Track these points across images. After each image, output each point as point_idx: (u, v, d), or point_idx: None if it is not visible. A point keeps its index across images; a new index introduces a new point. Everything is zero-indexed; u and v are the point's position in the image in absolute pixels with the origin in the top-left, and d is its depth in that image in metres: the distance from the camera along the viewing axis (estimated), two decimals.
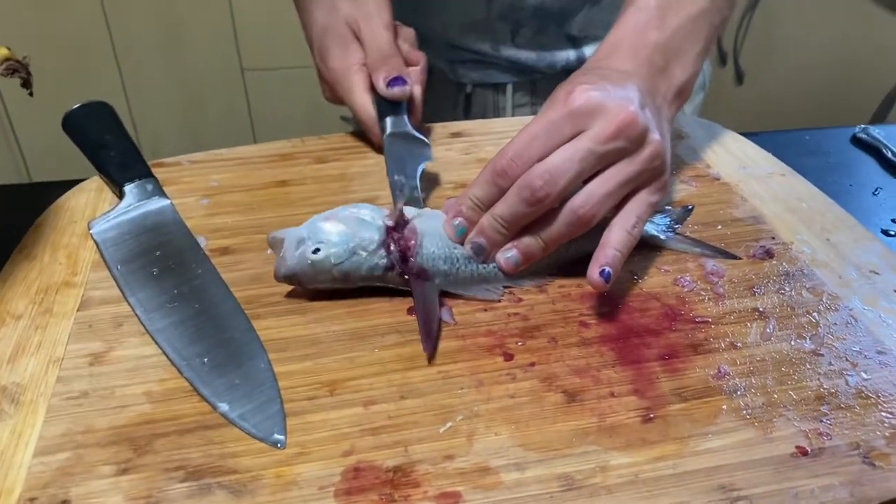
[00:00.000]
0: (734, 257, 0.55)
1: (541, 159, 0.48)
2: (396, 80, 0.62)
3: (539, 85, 0.84)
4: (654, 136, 0.49)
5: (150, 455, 0.39)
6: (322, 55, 0.66)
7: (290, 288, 0.50)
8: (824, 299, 0.51)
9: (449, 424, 0.41)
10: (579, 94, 0.48)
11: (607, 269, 0.48)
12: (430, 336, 0.46)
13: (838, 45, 1.60)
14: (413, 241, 0.50)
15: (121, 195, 0.57)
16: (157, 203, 0.57)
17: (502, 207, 0.49)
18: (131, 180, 0.58)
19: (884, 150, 0.72)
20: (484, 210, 0.50)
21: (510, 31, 0.79)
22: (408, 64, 0.65)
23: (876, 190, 0.67)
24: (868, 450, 0.40)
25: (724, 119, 0.72)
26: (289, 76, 2.39)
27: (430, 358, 0.45)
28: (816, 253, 0.55)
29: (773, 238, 0.56)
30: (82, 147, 0.61)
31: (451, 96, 0.85)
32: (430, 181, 0.62)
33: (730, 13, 0.60)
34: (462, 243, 0.51)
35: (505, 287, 0.51)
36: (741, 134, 0.70)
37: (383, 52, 0.64)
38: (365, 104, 0.63)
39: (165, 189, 0.59)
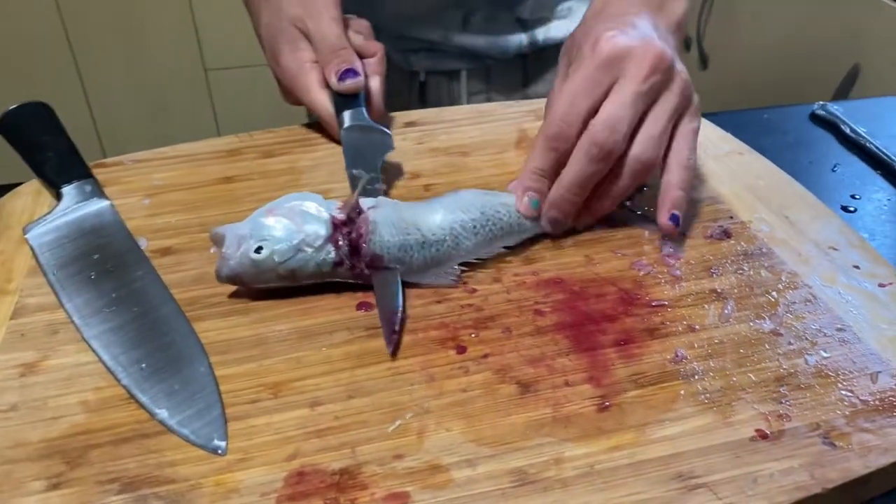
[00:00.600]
0: (650, 218, 0.54)
1: (589, 113, 0.48)
2: (348, 73, 0.61)
3: (493, 71, 0.83)
4: (679, 65, 0.51)
5: (83, 467, 0.37)
6: (274, 57, 0.64)
7: (233, 288, 0.48)
8: (783, 278, 0.50)
9: (398, 422, 0.40)
10: (605, 42, 0.49)
11: (676, 212, 0.50)
12: (392, 327, 0.45)
13: (799, 26, 1.60)
14: (364, 230, 0.48)
15: (58, 197, 0.55)
16: (96, 205, 0.55)
17: (572, 173, 0.49)
18: (69, 182, 0.56)
19: (842, 127, 0.71)
20: (549, 178, 0.51)
21: (461, 18, 0.77)
22: (364, 56, 0.64)
23: (835, 166, 0.67)
24: (828, 430, 0.39)
25: None
26: (252, 74, 2.36)
27: (393, 353, 0.44)
28: (775, 231, 0.54)
29: (732, 217, 0.55)
30: (19, 149, 0.59)
31: (405, 85, 0.84)
32: (385, 171, 0.60)
33: None
34: (538, 218, 0.51)
35: (460, 267, 0.49)
36: (701, 115, 0.69)
37: (332, 46, 0.62)
38: (322, 101, 0.62)
39: (106, 190, 0.57)
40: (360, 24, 0.67)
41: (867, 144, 0.68)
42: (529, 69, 0.83)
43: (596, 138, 0.48)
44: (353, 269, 0.48)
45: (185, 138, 0.66)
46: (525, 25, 0.80)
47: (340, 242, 0.47)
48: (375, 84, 0.63)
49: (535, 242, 0.53)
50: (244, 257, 0.46)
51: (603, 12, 0.55)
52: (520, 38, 0.80)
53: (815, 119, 0.74)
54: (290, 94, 0.65)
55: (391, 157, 0.61)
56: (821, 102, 0.75)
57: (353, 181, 0.56)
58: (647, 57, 0.49)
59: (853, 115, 0.72)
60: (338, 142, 0.63)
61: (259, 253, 0.46)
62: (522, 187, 0.51)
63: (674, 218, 0.50)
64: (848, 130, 0.71)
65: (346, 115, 0.61)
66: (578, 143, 0.49)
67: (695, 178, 0.59)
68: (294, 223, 0.47)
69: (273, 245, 0.46)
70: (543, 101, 0.56)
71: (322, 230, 0.47)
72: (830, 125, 0.73)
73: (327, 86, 0.62)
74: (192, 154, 0.63)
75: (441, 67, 0.82)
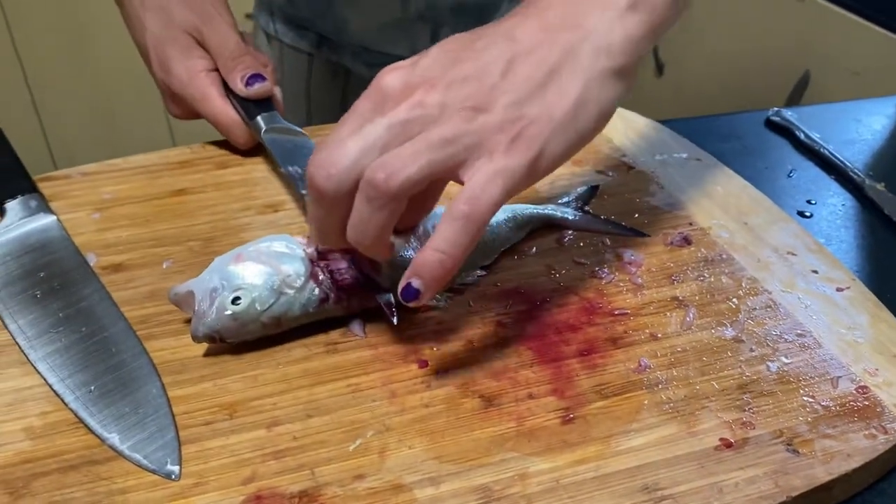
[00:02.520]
0: (643, 234, 0.54)
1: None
2: (255, 78, 0.59)
3: None
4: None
5: (27, 498, 0.36)
6: (163, 66, 0.61)
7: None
8: (744, 284, 0.50)
9: (359, 441, 0.39)
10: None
11: (413, 283, 0.39)
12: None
13: (751, 34, 1.63)
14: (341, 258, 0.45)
15: (1, 213, 0.53)
16: (41, 220, 0.53)
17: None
18: (12, 197, 0.54)
19: (797, 133, 0.72)
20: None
21: (430, 32, 0.76)
22: None
23: (790, 172, 0.67)
24: (791, 437, 0.39)
25: (645, 109, 0.71)
26: None
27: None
28: (734, 237, 0.54)
29: (691, 224, 0.55)
30: None
31: None
32: None
33: None
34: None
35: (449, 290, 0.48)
36: (657, 122, 0.69)
37: (233, 52, 0.60)
38: (225, 108, 0.60)
39: (53, 204, 0.55)
40: (246, 37, 0.64)
41: (821, 150, 0.69)
42: None
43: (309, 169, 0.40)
44: (339, 302, 0.44)
45: (138, 148, 0.64)
46: None
47: (321, 277, 0.44)
48: (277, 92, 0.62)
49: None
50: (221, 311, 0.42)
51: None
52: None
53: (770, 125, 0.75)
54: (181, 105, 0.63)
55: None
56: (775, 109, 0.76)
57: (293, 177, 0.54)
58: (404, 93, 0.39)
59: (807, 121, 0.73)
60: (245, 151, 0.62)
61: (237, 304, 0.42)
62: None
63: (408, 291, 0.39)
64: (802, 136, 0.71)
65: (261, 119, 0.59)
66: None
67: (651, 184, 0.60)
68: (268, 266, 0.44)
69: (252, 293, 0.42)
70: None
71: (301, 268, 0.44)
72: (785, 131, 0.73)
73: (226, 94, 0.61)
74: (143, 166, 0.61)
75: None
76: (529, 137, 0.39)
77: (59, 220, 0.53)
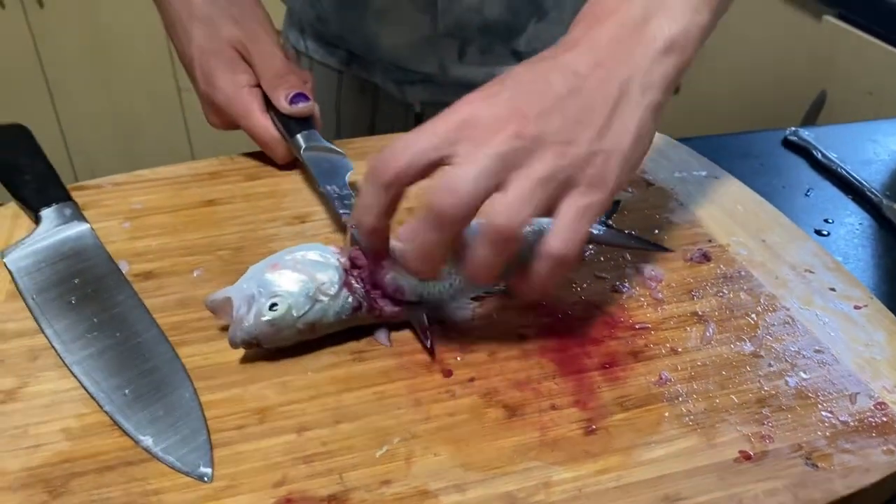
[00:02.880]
0: (667, 250, 0.55)
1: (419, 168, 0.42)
2: (299, 97, 0.61)
3: None
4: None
5: (66, 496, 0.37)
6: (207, 79, 0.62)
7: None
8: (762, 300, 0.50)
9: (385, 448, 0.40)
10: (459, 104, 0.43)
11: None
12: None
13: (767, 53, 1.64)
14: (378, 264, 0.46)
15: (37, 221, 0.54)
16: (75, 228, 0.54)
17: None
18: (48, 205, 0.55)
19: (814, 152, 0.73)
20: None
21: (458, 49, 0.78)
22: None
23: (808, 191, 0.68)
24: (810, 451, 0.40)
25: (661, 129, 0.72)
26: None
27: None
28: (753, 254, 0.55)
29: (710, 241, 0.56)
30: None
31: (400, 117, 0.85)
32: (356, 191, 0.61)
33: None
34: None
35: (472, 299, 0.49)
36: (676, 139, 0.70)
37: (279, 70, 0.62)
38: (266, 125, 0.61)
39: (85, 213, 0.56)
40: (289, 54, 0.66)
41: (839, 170, 0.70)
42: None
43: (432, 202, 0.40)
44: (371, 311, 0.46)
45: (158, 160, 0.66)
46: (521, 59, 0.80)
47: (355, 285, 0.46)
48: (317, 109, 0.63)
49: None
50: (258, 317, 0.43)
51: (562, 42, 0.46)
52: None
53: (788, 144, 0.76)
54: (221, 116, 0.64)
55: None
56: (792, 128, 0.77)
57: (330, 196, 0.56)
58: (499, 129, 0.40)
59: (824, 140, 0.74)
60: (283, 166, 0.63)
61: (274, 310, 0.43)
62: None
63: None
64: (819, 156, 0.72)
65: (301, 137, 0.60)
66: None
67: (670, 201, 0.61)
68: (304, 274, 0.45)
69: (288, 300, 0.44)
70: None
71: (335, 276, 0.45)
72: (802, 150, 0.74)
73: (266, 109, 0.62)
74: (172, 177, 0.62)
75: (437, 99, 0.82)
76: (609, 170, 0.41)
77: (92, 228, 0.55)
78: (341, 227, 0.56)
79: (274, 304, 0.43)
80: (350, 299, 0.45)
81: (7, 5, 2.11)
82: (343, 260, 0.46)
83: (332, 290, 0.45)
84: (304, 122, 0.61)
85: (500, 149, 0.39)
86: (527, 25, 0.77)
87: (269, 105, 0.62)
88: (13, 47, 2.17)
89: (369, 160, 0.42)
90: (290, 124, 0.61)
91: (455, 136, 0.40)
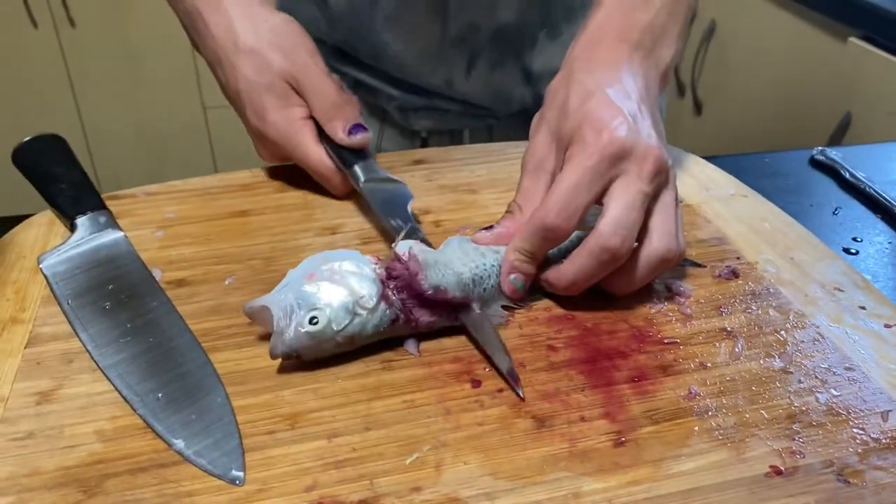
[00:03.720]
0: (698, 265, 0.55)
1: (587, 207, 0.48)
2: (357, 128, 0.60)
3: (495, 129, 0.84)
4: (669, 159, 0.51)
5: (100, 496, 0.37)
6: (259, 113, 0.61)
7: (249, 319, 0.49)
8: (791, 317, 0.50)
9: (415, 455, 0.40)
10: (610, 134, 0.48)
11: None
12: (514, 377, 0.44)
13: (791, 73, 1.64)
14: (415, 268, 0.46)
15: (72, 228, 0.55)
16: (109, 236, 0.55)
17: (576, 271, 0.48)
18: (83, 213, 0.56)
19: (841, 171, 0.73)
20: (536, 262, 0.50)
21: (466, 61, 0.78)
22: None
23: (835, 209, 0.68)
24: (842, 467, 0.39)
25: (683, 147, 0.72)
26: None
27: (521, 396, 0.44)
28: (781, 272, 0.55)
29: (738, 258, 0.56)
30: (33, 181, 0.60)
31: (406, 140, 0.84)
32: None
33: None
34: (522, 298, 0.50)
35: (504, 308, 0.50)
36: (704, 158, 0.70)
37: (334, 101, 0.61)
38: (322, 156, 0.61)
39: (119, 222, 0.57)
40: (337, 80, 0.64)
41: (867, 189, 0.70)
42: None
43: (608, 244, 0.46)
44: (408, 323, 0.46)
45: (182, 173, 0.66)
46: (530, 79, 0.80)
47: (392, 297, 0.46)
48: (370, 137, 0.63)
49: None
50: (299, 331, 0.44)
51: (592, 58, 0.53)
52: (523, 93, 0.80)
53: (815, 164, 0.76)
54: (275, 150, 0.63)
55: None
56: (820, 147, 0.77)
57: (394, 232, 0.54)
58: (650, 158, 0.48)
59: (851, 160, 0.74)
60: (340, 196, 0.63)
61: (314, 324, 0.44)
62: (509, 266, 0.50)
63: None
64: (847, 175, 0.72)
65: (358, 168, 0.60)
66: (586, 243, 0.47)
67: (698, 218, 0.61)
68: (344, 287, 0.45)
69: (328, 314, 0.44)
70: None
71: (374, 289, 0.45)
72: (830, 170, 0.74)
73: (320, 140, 0.61)
74: (204, 188, 0.64)
75: (442, 127, 0.82)
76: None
77: (126, 236, 0.56)
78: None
79: (314, 318, 0.44)
80: (388, 312, 0.45)
81: (39, 24, 2.16)
82: (380, 271, 0.47)
83: (371, 304, 0.45)
84: (359, 152, 0.61)
85: (650, 188, 0.48)
86: (537, 36, 0.77)
87: (321, 135, 0.62)
88: (44, 64, 2.22)
89: (538, 217, 0.48)
90: (345, 155, 0.60)
91: (609, 173, 0.48)
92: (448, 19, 0.75)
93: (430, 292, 0.46)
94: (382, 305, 0.45)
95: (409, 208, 0.57)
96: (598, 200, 0.48)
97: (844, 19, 1.43)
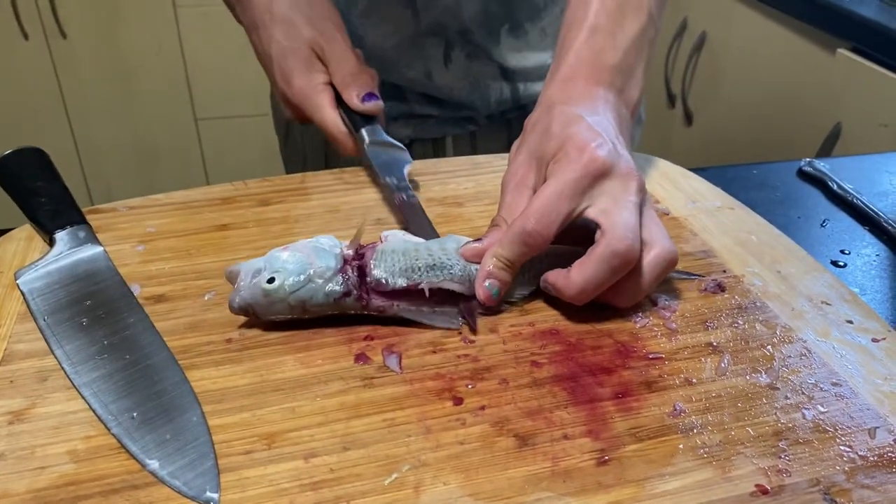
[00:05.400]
0: (693, 276, 0.55)
1: (568, 217, 0.49)
2: (370, 96, 0.66)
3: (478, 135, 0.84)
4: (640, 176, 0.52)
5: None
6: (285, 77, 0.68)
7: (227, 336, 0.48)
8: (778, 332, 0.50)
9: (394, 476, 0.39)
10: (593, 155, 0.49)
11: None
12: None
13: (781, 84, 1.64)
14: (369, 256, 0.50)
15: (51, 243, 0.55)
16: (88, 251, 0.54)
17: (588, 277, 0.48)
18: (62, 227, 0.55)
19: (830, 183, 0.73)
20: (513, 270, 0.50)
21: (443, 52, 0.79)
22: None
23: (823, 222, 0.68)
24: (828, 486, 0.39)
25: (674, 157, 0.72)
26: (242, 125, 2.38)
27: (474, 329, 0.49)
28: (768, 285, 0.54)
29: (725, 271, 0.56)
30: (13, 194, 0.59)
31: None
32: (382, 221, 0.61)
33: (658, 32, 0.62)
34: (497, 305, 0.51)
35: (460, 317, 0.50)
36: (690, 170, 0.70)
37: (352, 69, 0.66)
38: (336, 120, 0.66)
39: (100, 236, 0.57)
40: (359, 53, 0.70)
41: (855, 201, 0.69)
42: (514, 133, 0.84)
43: (617, 248, 0.47)
44: (359, 300, 0.49)
45: (173, 186, 0.67)
46: (507, 75, 0.81)
47: (349, 273, 0.49)
48: (382, 106, 0.68)
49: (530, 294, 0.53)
50: (256, 287, 0.47)
51: (570, 95, 0.55)
52: (501, 87, 0.81)
53: (803, 175, 0.75)
54: (296, 110, 0.69)
55: (385, 208, 0.62)
56: (808, 159, 0.77)
57: (388, 187, 0.61)
58: (632, 176, 0.50)
59: (839, 172, 0.74)
60: (349, 157, 0.68)
61: (271, 283, 0.47)
62: (486, 272, 0.50)
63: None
64: (835, 187, 0.72)
65: (365, 131, 0.65)
66: (594, 251, 0.48)
67: (684, 231, 0.60)
68: (307, 257, 0.49)
69: (285, 276, 0.48)
70: None
71: (332, 262, 0.49)
72: (818, 182, 0.74)
73: (337, 105, 0.67)
74: (186, 202, 0.63)
75: (424, 135, 0.83)
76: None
77: (105, 251, 0.55)
78: (397, 216, 0.61)
79: (272, 278, 0.48)
80: (340, 286, 0.48)
81: (30, 36, 2.15)
82: (347, 252, 0.50)
83: (327, 275, 0.48)
84: (370, 117, 0.66)
85: (637, 199, 0.50)
86: (499, 31, 0.79)
87: (338, 101, 0.67)
88: (35, 76, 2.21)
89: (518, 223, 0.49)
90: (357, 119, 0.66)
91: (591, 191, 0.50)
92: (419, 11, 0.77)
93: (371, 284, 0.49)
94: (338, 277, 0.48)
95: (406, 170, 0.63)
96: (580, 216, 0.49)
97: (834, 31, 1.43)
